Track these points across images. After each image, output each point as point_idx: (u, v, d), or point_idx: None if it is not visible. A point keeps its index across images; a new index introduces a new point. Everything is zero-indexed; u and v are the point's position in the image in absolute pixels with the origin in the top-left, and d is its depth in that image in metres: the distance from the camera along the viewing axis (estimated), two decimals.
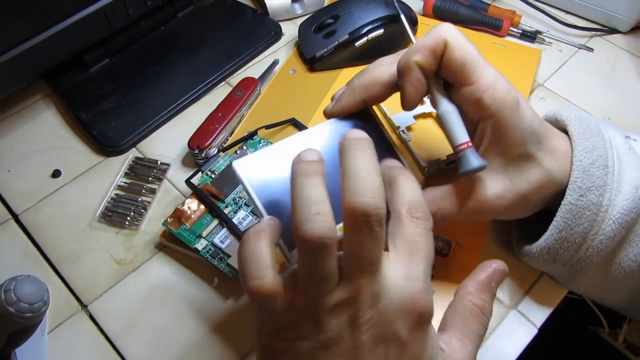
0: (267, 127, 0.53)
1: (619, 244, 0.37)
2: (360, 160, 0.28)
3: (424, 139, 0.54)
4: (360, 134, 0.30)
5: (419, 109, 0.55)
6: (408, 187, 0.32)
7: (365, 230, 0.27)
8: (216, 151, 0.52)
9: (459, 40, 0.35)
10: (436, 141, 0.53)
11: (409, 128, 0.54)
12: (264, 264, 0.28)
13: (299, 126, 0.53)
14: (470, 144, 0.36)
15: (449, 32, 0.35)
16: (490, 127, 0.36)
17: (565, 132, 0.40)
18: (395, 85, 0.38)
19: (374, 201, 0.26)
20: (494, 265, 0.33)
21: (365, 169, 0.28)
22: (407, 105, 0.36)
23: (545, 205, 0.40)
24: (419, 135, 0.53)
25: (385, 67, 0.38)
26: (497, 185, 0.37)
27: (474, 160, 0.35)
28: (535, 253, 0.39)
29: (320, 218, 0.26)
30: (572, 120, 0.39)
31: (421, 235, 0.30)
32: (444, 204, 0.38)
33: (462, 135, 0.36)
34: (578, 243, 0.37)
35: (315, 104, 0.56)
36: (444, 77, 0.37)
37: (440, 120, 0.38)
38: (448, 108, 0.37)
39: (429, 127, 0.55)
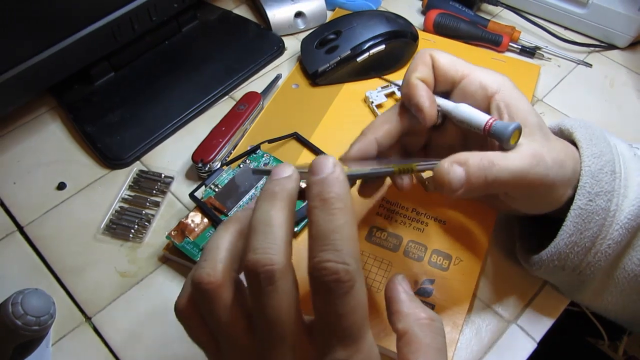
0: (270, 141, 0.54)
1: (624, 248, 0.38)
2: (264, 210, 0.27)
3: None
4: (284, 171, 0.28)
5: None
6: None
7: (262, 287, 0.25)
8: (219, 165, 0.52)
9: (440, 52, 0.39)
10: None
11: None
12: (215, 255, 0.27)
13: (301, 140, 0.54)
14: (494, 118, 0.36)
15: (430, 50, 0.39)
16: (501, 101, 0.37)
17: (570, 141, 0.40)
18: (403, 120, 0.40)
19: (264, 257, 0.25)
20: (396, 282, 0.32)
21: (268, 222, 0.26)
22: (428, 119, 0.37)
23: (555, 207, 0.39)
24: None
25: (389, 111, 0.41)
26: (530, 146, 0.36)
27: (507, 126, 0.35)
28: (546, 260, 0.40)
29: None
30: (577, 127, 0.40)
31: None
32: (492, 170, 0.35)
33: (483, 116, 0.37)
34: (587, 247, 0.38)
35: (318, 119, 0.57)
36: (441, 88, 0.40)
37: (458, 120, 0.38)
38: (458, 104, 0.38)
39: None
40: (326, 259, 0.24)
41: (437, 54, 0.39)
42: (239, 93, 0.60)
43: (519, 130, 0.35)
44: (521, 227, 0.46)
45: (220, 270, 0.27)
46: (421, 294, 0.44)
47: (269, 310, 0.25)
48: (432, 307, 0.44)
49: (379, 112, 0.57)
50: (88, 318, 0.45)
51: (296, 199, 0.28)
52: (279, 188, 0.27)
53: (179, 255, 0.47)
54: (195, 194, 0.49)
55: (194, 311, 0.28)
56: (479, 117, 0.37)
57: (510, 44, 0.64)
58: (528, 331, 0.44)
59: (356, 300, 0.24)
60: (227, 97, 0.60)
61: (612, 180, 0.37)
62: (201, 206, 0.48)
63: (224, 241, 0.28)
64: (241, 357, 0.27)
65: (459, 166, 0.34)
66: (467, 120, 0.37)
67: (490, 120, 0.36)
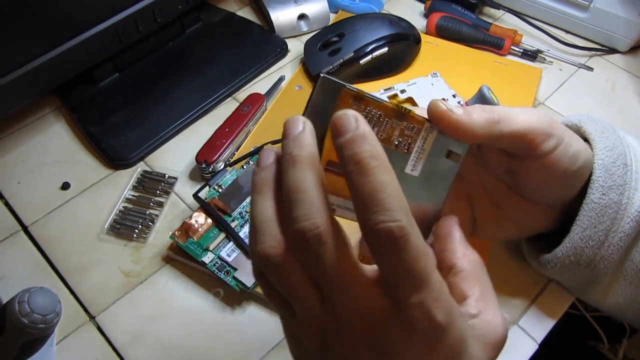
0: (274, 142, 0.54)
1: (633, 240, 0.38)
2: (291, 177, 0.26)
3: None
4: (297, 128, 0.27)
5: None
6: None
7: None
8: (223, 166, 0.53)
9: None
10: None
11: None
12: (271, 228, 0.27)
13: None
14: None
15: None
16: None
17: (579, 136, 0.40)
18: None
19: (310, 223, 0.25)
20: (451, 222, 0.33)
21: (298, 188, 0.26)
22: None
23: (570, 194, 0.39)
24: None
25: None
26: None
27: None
28: (561, 256, 0.39)
29: (264, 239, 0.26)
30: (586, 121, 0.40)
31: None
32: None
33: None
34: (601, 240, 0.38)
35: None
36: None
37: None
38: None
39: None
40: (378, 221, 0.24)
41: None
42: (242, 94, 0.60)
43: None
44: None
45: (282, 241, 0.27)
46: None
47: (329, 270, 0.25)
48: None
49: None
50: (92, 317, 0.46)
51: (318, 154, 0.27)
52: (297, 150, 0.26)
53: (182, 255, 0.47)
54: (199, 194, 0.50)
55: (294, 262, 0.27)
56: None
57: (512, 47, 0.65)
58: (529, 332, 0.44)
59: (416, 250, 0.25)
60: (230, 98, 0.61)
61: (624, 173, 0.37)
62: (205, 207, 0.49)
63: (270, 211, 0.28)
64: (319, 322, 0.27)
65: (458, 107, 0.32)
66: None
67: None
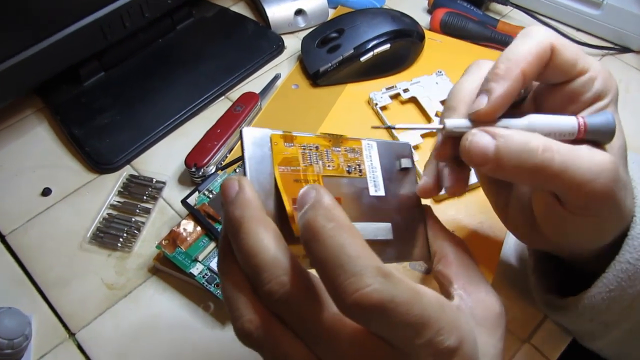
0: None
1: None
2: (242, 242, 0.26)
3: None
4: (234, 187, 0.27)
5: (427, 126, 0.53)
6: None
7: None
8: (214, 169, 0.49)
9: (563, 40, 0.31)
10: None
11: (416, 147, 0.51)
12: (277, 264, 0.25)
13: None
14: (580, 115, 0.31)
15: (551, 36, 0.31)
16: (613, 105, 0.32)
17: None
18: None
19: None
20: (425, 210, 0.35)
21: (252, 252, 0.25)
22: (495, 108, 0.30)
23: (602, 241, 0.33)
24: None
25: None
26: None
27: (607, 116, 0.30)
28: (574, 312, 0.34)
29: (239, 313, 0.25)
30: (630, 162, 0.34)
31: None
32: None
33: (567, 118, 0.31)
34: (626, 305, 0.33)
35: (319, 121, 0.54)
36: (545, 80, 0.33)
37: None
38: (529, 118, 0.31)
39: None
40: (350, 292, 0.22)
41: (562, 48, 0.31)
42: (235, 94, 0.57)
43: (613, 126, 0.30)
44: (536, 261, 0.39)
45: (259, 310, 0.25)
46: None
47: (311, 327, 0.25)
48: None
49: (383, 114, 0.54)
50: (72, 334, 0.42)
51: (262, 208, 0.27)
52: (240, 211, 0.26)
53: (169, 267, 0.44)
54: (188, 200, 0.46)
55: (276, 327, 0.25)
56: (565, 121, 0.31)
57: None
58: (543, 351, 0.41)
59: (402, 305, 0.22)
60: (223, 97, 0.57)
61: None
62: (194, 214, 0.45)
63: (238, 277, 0.26)
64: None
65: (486, 135, 0.28)
66: (553, 130, 0.31)
67: (581, 119, 0.31)
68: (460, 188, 0.33)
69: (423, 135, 0.52)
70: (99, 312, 0.43)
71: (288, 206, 0.28)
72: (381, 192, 0.34)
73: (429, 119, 0.54)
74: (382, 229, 0.33)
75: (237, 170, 0.49)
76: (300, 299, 0.24)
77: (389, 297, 0.22)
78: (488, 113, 0.30)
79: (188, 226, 0.45)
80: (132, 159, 0.52)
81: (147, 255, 0.46)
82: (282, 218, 0.29)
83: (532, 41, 0.31)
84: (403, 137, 0.52)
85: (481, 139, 0.28)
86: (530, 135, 0.28)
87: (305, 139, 0.32)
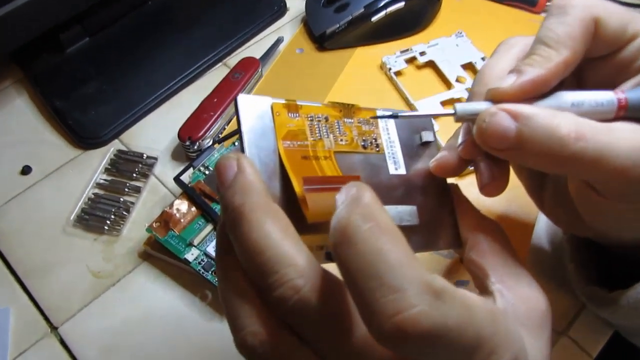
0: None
1: None
2: (245, 237, 0.21)
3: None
4: (231, 168, 0.23)
5: (446, 94, 0.47)
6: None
7: None
8: (211, 143, 0.44)
9: (606, 6, 0.27)
10: None
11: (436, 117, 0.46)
12: (241, 301, 0.21)
13: None
14: (619, 89, 0.26)
15: (592, 5, 0.26)
16: None
17: None
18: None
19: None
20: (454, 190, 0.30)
21: (261, 249, 0.21)
22: (522, 89, 0.26)
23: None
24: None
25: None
26: None
27: None
28: (623, 307, 0.30)
29: (242, 323, 0.21)
30: None
31: None
32: None
33: (604, 93, 0.26)
34: None
35: (326, 88, 0.49)
36: (587, 55, 0.28)
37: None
38: (560, 94, 0.27)
39: None
40: (390, 313, 0.17)
41: (609, 19, 0.26)
42: (234, 59, 0.52)
43: None
44: (574, 249, 0.35)
45: (266, 318, 0.21)
46: None
47: (333, 344, 0.20)
48: None
49: (398, 80, 0.49)
50: (54, 328, 0.38)
51: (266, 192, 0.22)
52: (240, 198, 0.21)
53: (162, 252, 0.39)
54: (182, 177, 0.41)
55: (286, 342, 0.21)
56: (602, 97, 0.26)
57: (548, 4, 0.55)
58: (582, 345, 0.36)
59: (456, 326, 0.18)
60: (220, 64, 0.52)
61: None
62: (188, 192, 0.40)
63: (280, 237, 0.21)
64: None
65: (506, 116, 0.24)
66: (586, 110, 0.26)
67: (621, 94, 0.26)
68: (498, 187, 0.28)
69: (444, 103, 0.47)
70: (84, 304, 0.39)
71: (297, 187, 0.24)
72: (402, 170, 0.29)
73: (448, 85, 0.49)
74: (406, 213, 0.28)
75: (236, 144, 0.44)
76: (319, 309, 0.19)
77: (440, 323, 0.17)
78: (511, 94, 0.25)
79: (182, 206, 0.40)
80: (120, 132, 0.47)
81: (137, 239, 0.41)
82: (290, 203, 0.24)
83: (571, 19, 0.26)
84: (421, 105, 0.46)
85: (500, 120, 0.24)
86: (560, 117, 0.23)
87: (312, 109, 0.27)
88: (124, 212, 0.42)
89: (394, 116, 0.28)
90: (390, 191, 0.29)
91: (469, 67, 0.49)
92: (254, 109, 0.26)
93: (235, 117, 0.26)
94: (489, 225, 0.29)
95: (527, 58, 0.26)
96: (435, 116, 0.31)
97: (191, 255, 0.38)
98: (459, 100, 0.48)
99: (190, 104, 0.47)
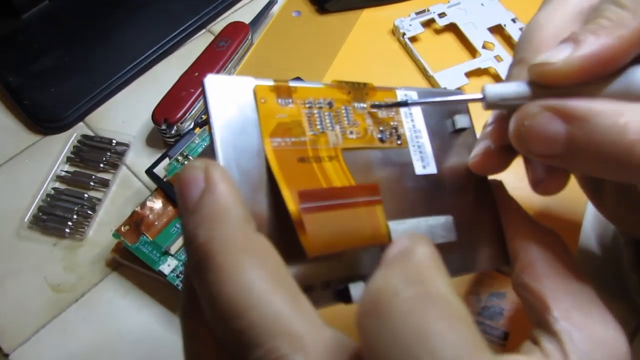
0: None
1: None
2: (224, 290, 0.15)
3: None
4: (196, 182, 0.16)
5: (471, 64, 0.40)
6: None
7: None
8: (191, 126, 0.37)
9: None
10: None
11: (461, 89, 0.39)
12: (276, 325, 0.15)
13: None
14: None
15: None
16: None
17: None
18: None
19: None
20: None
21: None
22: (580, 68, 0.19)
23: None
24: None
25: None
26: None
27: None
28: None
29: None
30: None
31: None
32: None
33: None
34: None
35: (328, 57, 0.41)
36: None
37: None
38: (633, 77, 0.19)
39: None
40: None
41: None
42: (219, 25, 0.44)
43: None
44: (636, 255, 0.30)
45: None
46: (486, 316, 0.30)
47: None
48: (503, 337, 0.30)
49: (413, 47, 0.41)
50: (5, 355, 0.32)
51: (247, 217, 0.16)
52: (207, 231, 0.15)
53: (134, 261, 0.33)
54: (155, 170, 0.34)
55: None
56: None
57: None
58: None
59: None
60: (203, 31, 0.45)
61: None
62: (164, 188, 0.34)
63: (268, 289, 0.15)
64: None
65: (554, 119, 0.19)
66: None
67: None
68: (558, 183, 0.22)
69: (469, 74, 0.39)
70: (41, 324, 0.33)
71: (291, 205, 0.17)
72: (431, 169, 0.23)
73: (473, 52, 0.41)
74: (440, 227, 0.21)
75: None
76: None
77: None
78: (565, 75, 0.19)
79: (156, 205, 0.33)
80: (85, 114, 0.41)
81: (105, 245, 0.35)
82: (282, 225, 0.18)
83: None
84: (441, 78, 0.39)
85: (545, 123, 0.19)
86: (629, 115, 0.17)
87: (310, 92, 0.20)
88: (89, 212, 0.36)
89: (402, 103, 0.21)
90: (418, 198, 0.22)
91: (497, 30, 0.42)
92: (229, 95, 0.19)
93: (204, 106, 0.19)
94: (546, 236, 0.22)
95: (591, 22, 0.19)
96: (456, 102, 0.24)
97: (167, 266, 0.31)
98: (486, 72, 0.40)
99: (168, 79, 0.40)
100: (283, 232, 0.18)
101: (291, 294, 0.15)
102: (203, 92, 0.18)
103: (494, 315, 0.31)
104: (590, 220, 0.35)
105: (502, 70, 0.39)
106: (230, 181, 0.16)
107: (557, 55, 0.19)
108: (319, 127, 0.20)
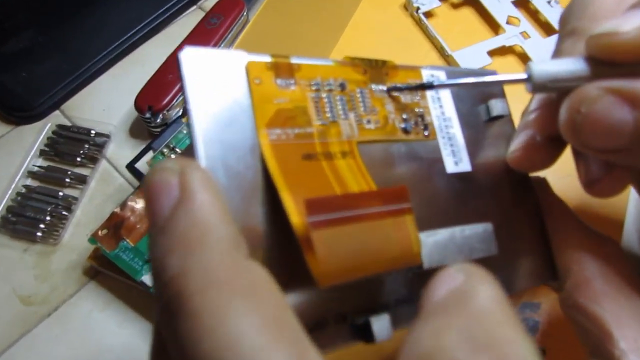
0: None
1: None
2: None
3: None
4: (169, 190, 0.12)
5: (494, 41, 0.35)
6: None
7: None
8: (179, 114, 0.33)
9: None
10: None
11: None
12: None
13: None
14: None
15: None
16: None
17: None
18: None
19: None
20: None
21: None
22: None
23: None
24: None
25: None
26: None
27: None
28: None
29: None
30: None
31: None
32: None
33: None
34: None
35: (335, 35, 0.37)
36: None
37: None
38: None
39: (510, 65, 0.35)
40: None
41: None
42: (211, 1, 0.40)
43: None
44: None
45: None
46: None
47: None
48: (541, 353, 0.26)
49: (429, 23, 0.36)
50: None
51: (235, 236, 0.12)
52: (182, 261, 0.11)
53: (113, 270, 0.28)
54: (138, 164, 0.30)
55: None
56: None
57: None
58: None
59: None
60: (194, 7, 0.40)
61: None
62: None
63: (257, 343, 0.10)
64: None
65: (620, 103, 0.15)
66: None
67: None
68: (617, 184, 0.18)
69: (492, 53, 0.35)
70: (10, 341, 0.29)
71: (295, 217, 0.13)
72: (465, 165, 0.19)
73: (496, 29, 0.37)
74: (478, 238, 0.17)
75: None
76: None
77: None
78: (634, 48, 0.15)
79: (138, 205, 0.29)
80: (61, 101, 0.36)
81: (82, 250, 0.31)
82: (284, 242, 0.14)
83: None
84: (461, 57, 0.35)
85: (609, 110, 0.15)
86: None
87: (318, 70, 0.16)
88: (65, 212, 0.32)
89: (425, 86, 0.17)
90: (450, 201, 0.18)
91: (522, 4, 0.37)
92: (214, 74, 0.14)
93: (181, 90, 0.14)
94: (603, 246, 0.19)
95: None
96: (494, 84, 0.20)
97: (150, 277, 0.27)
98: (511, 50, 0.36)
99: (154, 62, 0.35)
100: (285, 251, 0.14)
101: (298, 350, 0.10)
102: (179, 71, 0.14)
103: (528, 330, 0.27)
104: (634, 219, 0.31)
105: (530, 48, 0.35)
106: (214, 188, 0.12)
107: (628, 24, 0.15)
108: (328, 115, 0.15)
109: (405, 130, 0.17)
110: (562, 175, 0.22)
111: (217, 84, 0.14)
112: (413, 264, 0.14)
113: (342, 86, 0.16)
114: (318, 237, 0.12)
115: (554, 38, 0.36)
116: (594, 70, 0.16)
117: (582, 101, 0.15)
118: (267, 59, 0.15)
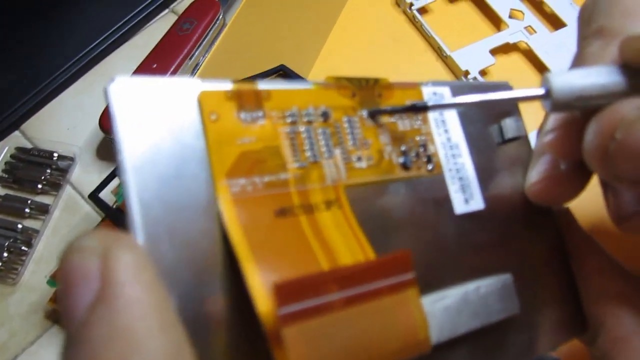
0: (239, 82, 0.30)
1: None
2: None
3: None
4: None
5: (496, 38, 0.32)
6: None
7: None
8: None
9: None
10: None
11: (483, 72, 0.31)
12: None
13: (292, 77, 0.31)
14: None
15: None
16: None
17: None
18: None
19: None
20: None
21: None
22: None
23: None
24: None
25: None
26: None
27: None
28: None
29: None
30: None
31: None
32: None
33: None
34: None
35: (319, 40, 0.34)
36: None
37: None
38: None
39: (516, 64, 0.32)
40: None
41: None
42: (183, 3, 0.36)
43: None
44: None
45: None
46: None
47: None
48: None
49: (423, 20, 0.33)
50: None
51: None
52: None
53: None
54: (102, 193, 0.27)
55: None
56: None
57: None
58: None
59: None
60: (166, 10, 0.37)
61: None
62: (112, 217, 0.26)
63: None
64: None
65: None
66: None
67: None
68: None
69: (494, 51, 0.32)
70: None
71: (262, 304, 0.09)
72: (477, 203, 0.15)
73: (498, 24, 0.34)
74: (497, 295, 0.14)
75: None
76: None
77: None
78: None
79: None
80: (20, 120, 0.33)
81: (44, 290, 0.27)
82: (250, 329, 0.10)
83: None
84: (460, 57, 0.31)
85: None
86: None
87: (293, 97, 0.13)
88: (24, 247, 0.28)
89: (418, 108, 0.14)
90: (460, 249, 0.14)
91: None
92: (153, 111, 0.11)
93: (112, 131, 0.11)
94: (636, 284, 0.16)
95: None
96: (505, 101, 0.16)
97: None
98: (516, 48, 0.33)
99: (122, 75, 0.32)
100: (253, 337, 0.10)
101: None
102: (109, 110, 0.11)
103: None
104: None
105: (537, 44, 0.32)
106: (149, 276, 0.09)
107: None
108: (308, 154, 0.12)
109: (405, 166, 0.14)
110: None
111: (160, 124, 0.11)
112: (419, 352, 0.11)
113: (325, 115, 0.13)
114: (291, 334, 0.09)
115: (563, 32, 0.33)
116: (632, 83, 0.13)
117: (616, 124, 0.12)
118: (227, 86, 0.12)
